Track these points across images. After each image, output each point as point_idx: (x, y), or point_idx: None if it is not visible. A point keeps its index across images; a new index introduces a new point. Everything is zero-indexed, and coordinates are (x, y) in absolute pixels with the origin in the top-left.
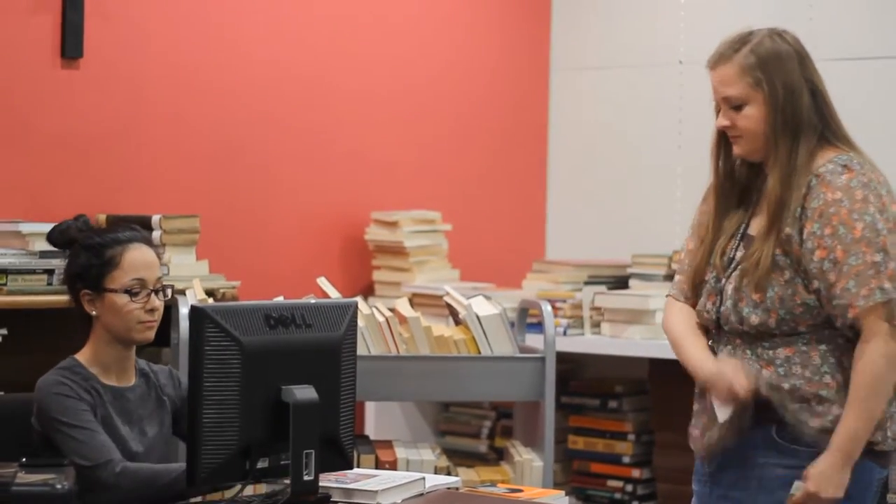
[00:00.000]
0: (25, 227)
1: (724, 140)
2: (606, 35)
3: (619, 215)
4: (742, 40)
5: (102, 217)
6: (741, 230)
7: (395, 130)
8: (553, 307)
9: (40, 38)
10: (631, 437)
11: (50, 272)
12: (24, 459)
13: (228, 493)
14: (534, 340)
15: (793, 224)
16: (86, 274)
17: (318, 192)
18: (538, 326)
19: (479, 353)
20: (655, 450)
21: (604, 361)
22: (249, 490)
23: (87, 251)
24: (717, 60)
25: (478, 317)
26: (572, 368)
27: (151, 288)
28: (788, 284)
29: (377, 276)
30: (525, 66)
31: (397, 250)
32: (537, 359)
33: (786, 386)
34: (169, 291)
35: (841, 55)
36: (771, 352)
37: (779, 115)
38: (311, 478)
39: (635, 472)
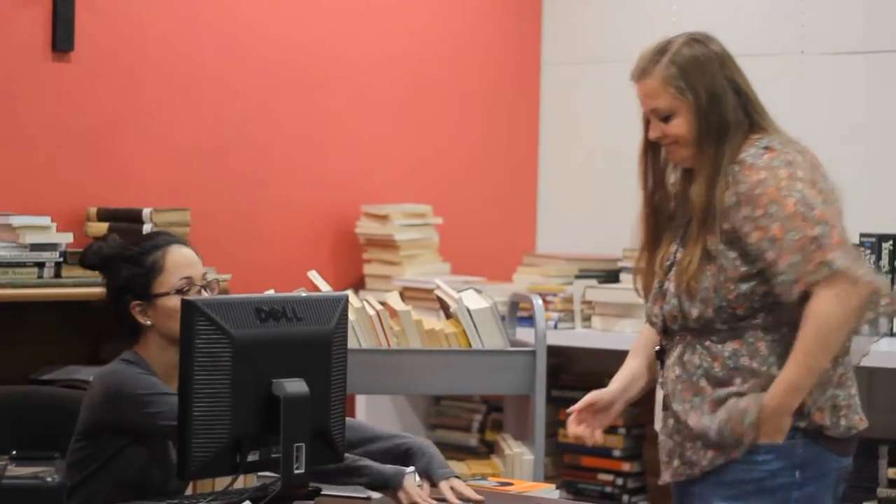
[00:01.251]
0: (16, 220)
1: (650, 151)
2: (597, 29)
3: (609, 209)
4: (661, 51)
5: (93, 210)
6: (681, 235)
7: (387, 124)
8: (544, 301)
9: (31, 31)
10: (621, 430)
11: (41, 265)
12: (14, 452)
13: (219, 486)
14: (524, 334)
15: (726, 217)
16: (132, 285)
17: (308, 185)
18: (529, 320)
19: (470, 346)
20: (646, 443)
21: (594, 355)
22: (240, 483)
23: (129, 263)
24: (640, 74)
25: (468, 310)
26: (563, 362)
27: (199, 284)
28: (720, 272)
29: (368, 269)
30: (516, 61)
31: (388, 244)
32: (528, 352)
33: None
34: (216, 285)
35: (832, 49)
36: (719, 345)
37: (704, 121)
38: (302, 471)
39: (626, 466)
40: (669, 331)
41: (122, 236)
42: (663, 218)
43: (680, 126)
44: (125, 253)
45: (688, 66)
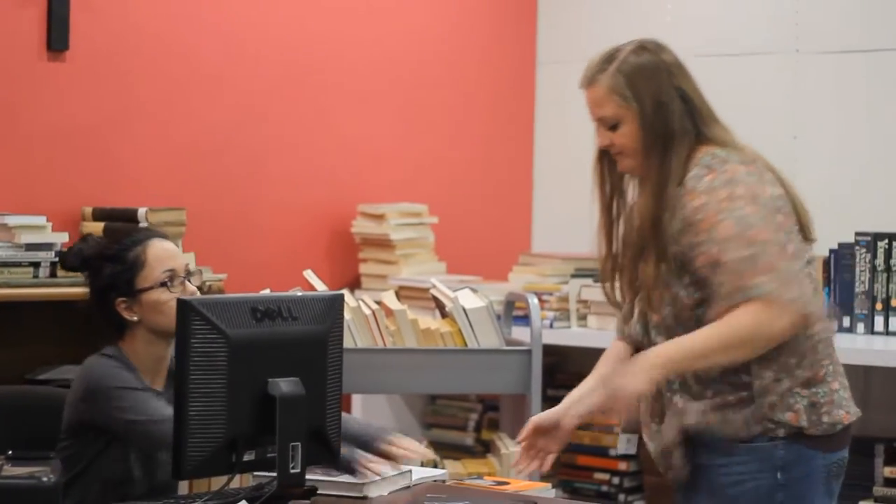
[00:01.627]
0: (12, 220)
1: (604, 159)
2: (593, 28)
3: None
4: (608, 59)
5: (88, 210)
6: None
7: (382, 124)
8: (539, 300)
9: (26, 30)
10: (618, 429)
11: (36, 265)
12: (10, 452)
13: (215, 486)
14: (520, 333)
15: (675, 242)
16: (116, 282)
17: (304, 184)
18: (525, 319)
19: (466, 345)
20: (642, 442)
21: (590, 354)
22: (236, 483)
23: (110, 261)
24: (587, 82)
25: (464, 309)
26: (559, 361)
27: (183, 276)
28: (676, 301)
29: (363, 268)
30: (511, 60)
31: (384, 243)
32: (524, 351)
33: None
34: (198, 276)
35: (827, 48)
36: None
37: (649, 129)
38: (298, 470)
39: (622, 465)
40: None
41: (116, 236)
42: (627, 227)
43: (626, 135)
44: (106, 252)
45: (634, 74)
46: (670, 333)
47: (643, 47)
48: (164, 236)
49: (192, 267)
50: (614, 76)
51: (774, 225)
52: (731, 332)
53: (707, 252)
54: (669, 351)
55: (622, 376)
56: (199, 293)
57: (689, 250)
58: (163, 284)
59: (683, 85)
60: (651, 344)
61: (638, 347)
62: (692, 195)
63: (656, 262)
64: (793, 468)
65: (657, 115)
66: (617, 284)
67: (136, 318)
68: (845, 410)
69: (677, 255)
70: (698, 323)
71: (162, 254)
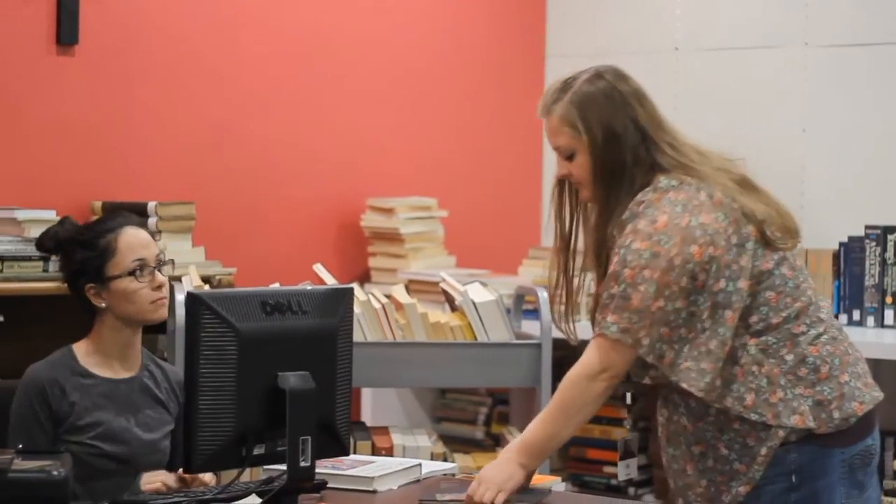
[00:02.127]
0: (21, 214)
1: (564, 187)
2: (601, 22)
3: None
4: (563, 88)
5: (98, 204)
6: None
7: (391, 118)
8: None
9: (35, 24)
10: (627, 423)
11: (45, 259)
12: (20, 446)
13: (225, 480)
14: (530, 327)
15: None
16: (86, 268)
17: (313, 178)
18: (534, 313)
19: (476, 339)
20: (652, 436)
21: None
22: (246, 476)
23: (82, 247)
24: (543, 111)
25: (474, 303)
26: (568, 355)
27: (153, 265)
28: None
29: (373, 262)
30: (520, 53)
31: (393, 237)
32: (533, 345)
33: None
34: (170, 266)
35: (835, 41)
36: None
37: (598, 160)
38: (308, 464)
39: None
40: None
41: (92, 221)
42: (578, 253)
43: (580, 165)
44: (79, 237)
45: (585, 104)
46: (644, 366)
47: (599, 75)
48: (141, 225)
49: (165, 257)
50: (566, 106)
51: (666, 260)
52: (569, 385)
53: (603, 288)
54: (526, 437)
55: (490, 468)
56: (167, 284)
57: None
58: (131, 273)
59: (638, 114)
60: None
61: None
62: (619, 230)
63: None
64: (807, 469)
65: (607, 145)
66: (562, 309)
67: (104, 305)
68: (858, 401)
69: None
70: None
71: (134, 242)
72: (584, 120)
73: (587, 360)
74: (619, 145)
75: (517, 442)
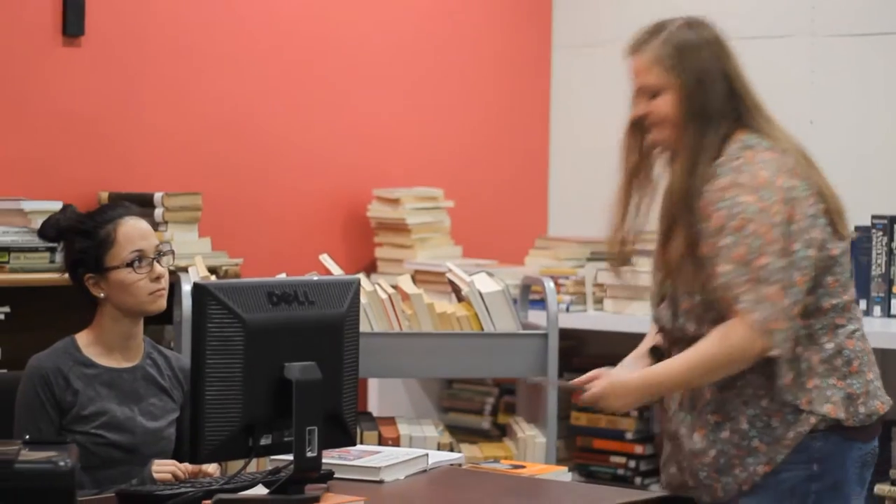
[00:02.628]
0: (28, 205)
1: (635, 131)
2: (608, 12)
3: None
4: (657, 29)
5: (105, 195)
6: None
7: (397, 108)
8: (556, 284)
9: (41, 15)
10: (634, 413)
11: (52, 250)
12: (27, 437)
13: (231, 470)
14: (536, 317)
15: (697, 221)
16: (85, 258)
17: (320, 169)
18: (541, 303)
19: (482, 329)
20: (662, 422)
21: (606, 338)
22: (252, 466)
23: (81, 236)
24: (633, 49)
25: (480, 293)
26: (575, 345)
27: (152, 256)
28: (710, 290)
29: (379, 253)
30: (527, 43)
31: (400, 227)
32: (540, 335)
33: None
34: (170, 257)
35: (843, 31)
36: None
37: (689, 103)
38: (314, 454)
39: (638, 448)
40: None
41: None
42: (643, 204)
43: (664, 105)
44: (79, 226)
45: (681, 47)
46: (700, 322)
47: (693, 23)
48: (143, 215)
49: (166, 248)
50: (661, 46)
51: (770, 216)
52: (711, 358)
53: (705, 242)
54: (659, 376)
55: (614, 397)
56: (167, 275)
57: (700, 237)
58: (129, 264)
59: (728, 67)
60: (681, 331)
61: (666, 333)
62: (711, 182)
63: (686, 243)
64: (829, 459)
65: (698, 90)
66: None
67: (102, 295)
68: (880, 401)
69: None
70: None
71: (132, 233)
72: (678, 61)
73: (740, 329)
74: (708, 93)
75: (645, 374)
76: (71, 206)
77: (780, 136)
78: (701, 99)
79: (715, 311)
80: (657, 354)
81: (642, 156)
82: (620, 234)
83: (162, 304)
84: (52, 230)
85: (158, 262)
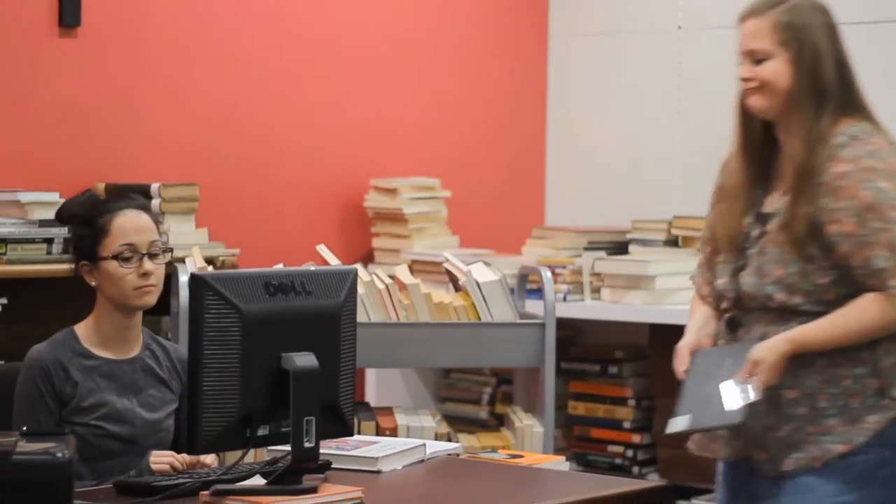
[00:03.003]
0: (25, 197)
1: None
2: (604, 1)
3: (618, 181)
4: (777, 2)
5: (101, 186)
6: (756, 206)
7: (395, 98)
8: (553, 273)
9: (38, 7)
10: (631, 402)
11: (49, 241)
12: (24, 428)
13: (229, 460)
14: (534, 306)
15: (813, 200)
16: (81, 245)
17: (317, 159)
18: (538, 293)
19: (479, 319)
20: (656, 415)
21: (604, 327)
22: (250, 457)
23: (83, 223)
24: (751, 13)
25: (478, 283)
26: (572, 334)
27: (144, 252)
28: (809, 260)
29: (376, 243)
30: (523, 33)
31: (397, 217)
32: (537, 325)
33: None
34: (166, 255)
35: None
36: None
37: (801, 77)
38: (312, 445)
39: (636, 438)
40: (744, 306)
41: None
42: (751, 177)
43: (772, 71)
44: (83, 213)
45: (801, 21)
46: (791, 291)
47: (814, 4)
48: (146, 209)
49: (160, 246)
50: (783, 15)
51: None
52: (859, 324)
53: (842, 220)
54: (808, 334)
55: (780, 367)
56: (158, 273)
57: (824, 215)
58: (116, 257)
59: (841, 49)
60: (768, 299)
61: (743, 301)
62: (835, 161)
63: (802, 217)
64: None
65: (813, 66)
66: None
67: (94, 284)
68: None
69: (811, 216)
70: (828, 283)
71: (127, 226)
72: (796, 33)
73: (869, 310)
74: (822, 71)
75: (793, 333)
76: (89, 191)
77: (883, 129)
78: (814, 76)
79: (808, 281)
80: (733, 326)
81: (754, 132)
82: (726, 207)
83: (149, 300)
84: (65, 213)
85: (152, 258)
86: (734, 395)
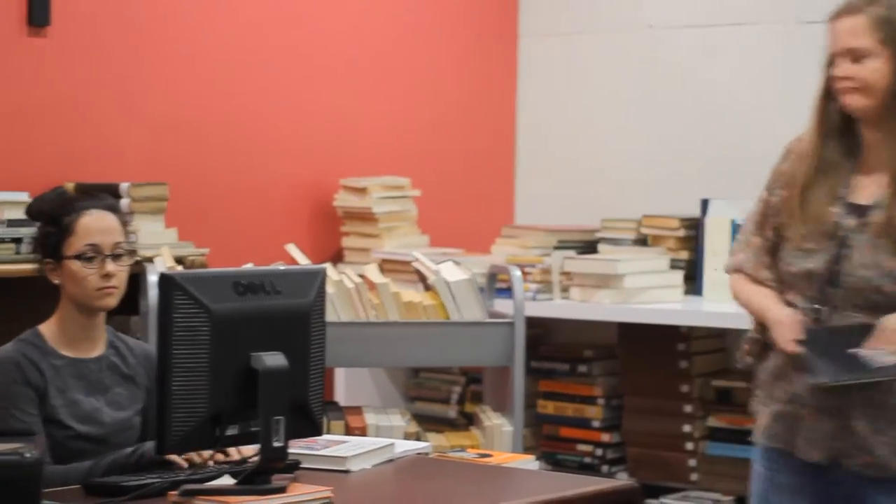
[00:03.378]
0: None
1: (828, 98)
2: (574, 0)
3: (587, 180)
4: (873, 1)
5: (71, 185)
6: (840, 196)
7: (364, 97)
8: (522, 272)
9: (6, 6)
10: (600, 401)
11: (18, 241)
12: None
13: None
14: (503, 305)
15: None
16: (46, 242)
17: (286, 159)
18: (507, 291)
19: (449, 318)
20: (624, 414)
21: (573, 326)
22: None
23: (49, 221)
24: (847, 10)
25: (447, 282)
26: (542, 333)
27: (107, 253)
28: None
29: (346, 242)
30: (493, 32)
31: (366, 216)
32: (507, 324)
33: None
34: (130, 257)
35: (815, 18)
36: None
37: None
38: (281, 444)
39: (605, 437)
40: (834, 294)
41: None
42: (829, 169)
43: (873, 71)
44: (50, 210)
45: None
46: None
47: None
48: (113, 210)
49: (124, 248)
50: (882, 12)
51: None
52: None
53: None
54: None
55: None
56: (121, 275)
57: None
58: (79, 257)
59: None
60: (877, 292)
61: (791, 286)
62: None
63: None
64: None
65: None
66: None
67: (57, 282)
68: None
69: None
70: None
71: (92, 226)
72: None
73: None
74: None
75: None
76: (62, 188)
77: None
78: None
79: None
80: (816, 310)
81: (833, 126)
82: (798, 198)
83: (110, 302)
84: (34, 209)
85: (115, 259)
86: (877, 357)
